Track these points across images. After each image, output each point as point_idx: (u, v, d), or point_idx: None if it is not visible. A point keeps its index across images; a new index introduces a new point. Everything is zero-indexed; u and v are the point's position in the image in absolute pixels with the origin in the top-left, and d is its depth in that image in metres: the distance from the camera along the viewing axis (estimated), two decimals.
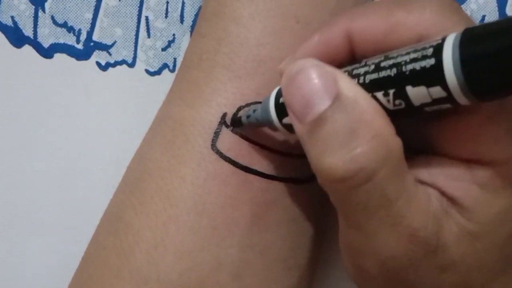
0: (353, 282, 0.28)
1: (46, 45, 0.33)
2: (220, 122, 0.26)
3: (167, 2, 0.34)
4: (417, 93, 0.19)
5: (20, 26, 0.33)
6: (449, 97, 0.19)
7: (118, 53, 0.34)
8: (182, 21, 0.34)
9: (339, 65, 0.22)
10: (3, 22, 0.34)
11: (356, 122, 0.20)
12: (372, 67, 0.21)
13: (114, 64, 0.34)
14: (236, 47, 0.26)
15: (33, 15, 0.34)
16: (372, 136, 0.20)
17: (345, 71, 0.22)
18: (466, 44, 0.18)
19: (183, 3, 0.34)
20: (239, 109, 0.26)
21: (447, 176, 0.21)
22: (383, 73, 0.20)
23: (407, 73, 0.19)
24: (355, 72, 0.21)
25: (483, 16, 0.33)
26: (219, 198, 0.25)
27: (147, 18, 0.34)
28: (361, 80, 0.21)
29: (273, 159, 0.26)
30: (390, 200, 0.20)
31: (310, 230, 0.28)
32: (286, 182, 0.26)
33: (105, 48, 0.34)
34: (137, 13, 0.34)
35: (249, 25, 0.26)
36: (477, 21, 0.33)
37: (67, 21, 0.34)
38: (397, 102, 0.20)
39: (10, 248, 0.33)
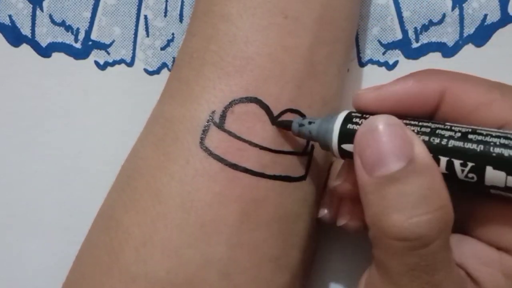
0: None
1: (44, 44, 0.34)
2: (208, 119, 0.26)
3: (166, 1, 0.34)
4: (494, 176, 0.21)
5: (17, 25, 0.34)
6: None
7: (117, 52, 0.34)
8: (181, 20, 0.33)
9: (419, 115, 0.24)
10: (0, 21, 0.34)
11: (428, 189, 0.21)
12: (459, 134, 0.22)
13: (113, 64, 0.34)
14: (225, 44, 0.26)
15: (31, 14, 0.34)
16: (439, 206, 0.21)
17: (426, 125, 0.23)
18: None
19: (182, 2, 0.33)
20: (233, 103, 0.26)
21: (477, 259, 0.23)
22: (469, 145, 0.21)
23: (494, 155, 0.21)
24: (438, 131, 0.22)
25: (485, 15, 0.32)
26: (207, 195, 0.25)
27: (146, 17, 0.34)
28: (444, 142, 0.22)
29: (263, 156, 0.26)
30: (435, 269, 0.21)
31: (303, 229, 0.27)
32: (275, 179, 0.26)
33: (104, 47, 0.34)
34: (136, 12, 0.34)
35: (237, 22, 0.26)
36: (478, 20, 0.32)
37: (65, 20, 0.34)
38: (470, 175, 0.21)
39: (8, 249, 0.33)
